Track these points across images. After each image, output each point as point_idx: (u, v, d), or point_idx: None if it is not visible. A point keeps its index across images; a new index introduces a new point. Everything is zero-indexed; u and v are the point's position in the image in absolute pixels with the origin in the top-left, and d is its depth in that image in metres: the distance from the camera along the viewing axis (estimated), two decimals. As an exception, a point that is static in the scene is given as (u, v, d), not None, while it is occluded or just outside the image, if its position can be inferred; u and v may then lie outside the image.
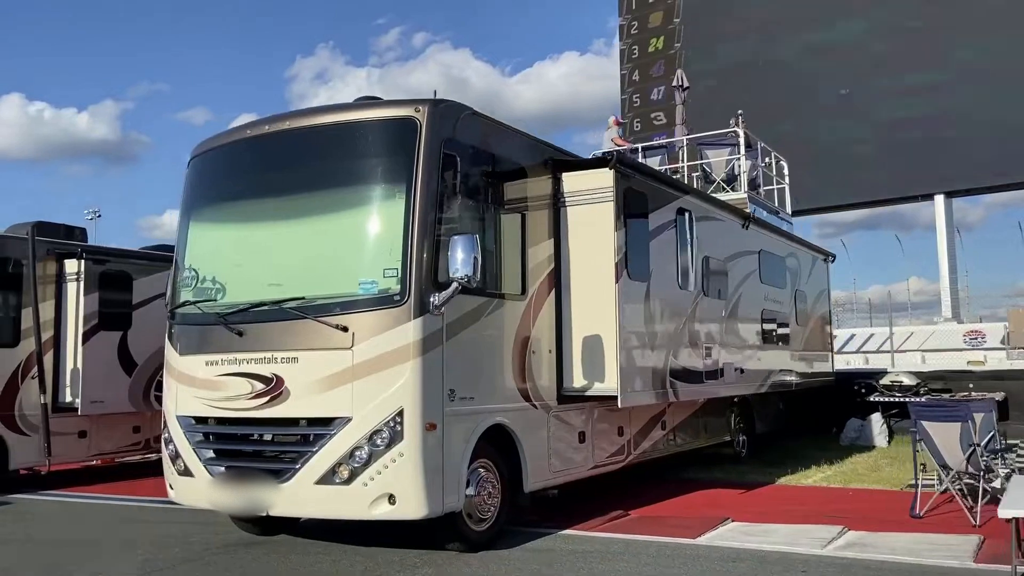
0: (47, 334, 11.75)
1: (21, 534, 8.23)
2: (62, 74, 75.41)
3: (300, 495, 6.01)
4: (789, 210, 14.98)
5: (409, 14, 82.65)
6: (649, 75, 31.74)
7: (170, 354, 7.02)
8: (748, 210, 11.75)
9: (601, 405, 8.13)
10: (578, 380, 7.48)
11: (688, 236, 8.89)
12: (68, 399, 11.92)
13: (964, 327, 23.88)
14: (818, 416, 15.28)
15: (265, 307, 6.29)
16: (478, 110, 6.79)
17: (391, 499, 5.83)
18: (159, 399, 13.50)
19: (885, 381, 14.79)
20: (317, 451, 5.96)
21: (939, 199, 24.85)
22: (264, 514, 6.21)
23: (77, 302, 12.04)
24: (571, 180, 7.65)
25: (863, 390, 15.07)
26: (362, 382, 5.90)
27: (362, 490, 5.84)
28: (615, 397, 7.41)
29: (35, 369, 11.65)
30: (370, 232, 6.23)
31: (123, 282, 12.67)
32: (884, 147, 24.76)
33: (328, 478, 5.90)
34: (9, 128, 66.98)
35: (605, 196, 7.49)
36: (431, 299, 5.98)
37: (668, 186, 8.88)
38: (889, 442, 14.09)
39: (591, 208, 7.53)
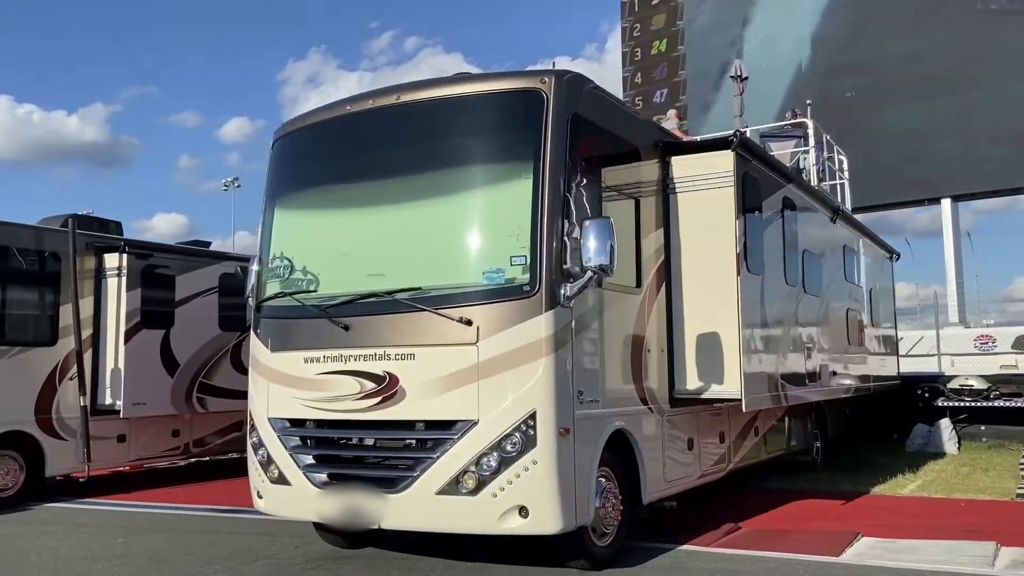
0: (86, 332, 11.13)
1: (83, 550, 7.60)
2: (51, 76, 74.71)
3: (417, 507, 5.40)
4: (849, 207, 14.42)
5: (401, 18, 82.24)
6: (652, 78, 31.43)
7: (258, 350, 6.42)
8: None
9: (707, 409, 7.56)
10: (692, 381, 6.89)
11: (794, 228, 8.32)
12: (108, 401, 11.29)
13: (973, 332, 23.56)
14: (877, 421, 14.71)
15: (375, 299, 5.68)
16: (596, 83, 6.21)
17: (523, 512, 5.23)
18: (201, 401, 12.98)
19: (953, 385, 14.22)
20: (438, 458, 5.36)
21: (946, 203, 24.54)
22: (374, 527, 5.59)
23: (118, 299, 11.41)
24: (682, 164, 7.07)
25: (927, 394, 14.50)
26: (489, 381, 5.30)
27: (491, 502, 5.24)
28: (737, 400, 6.82)
29: (74, 369, 11.02)
30: (494, 216, 5.62)
31: (165, 278, 12.05)
32: (890, 151, 24.42)
33: (451, 488, 5.30)
34: None
35: (724, 181, 6.91)
36: (561, 290, 5.39)
37: (778, 173, 8.29)
38: (959, 448, 13.52)
39: (707, 195, 6.95)
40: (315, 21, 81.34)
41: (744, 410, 7.02)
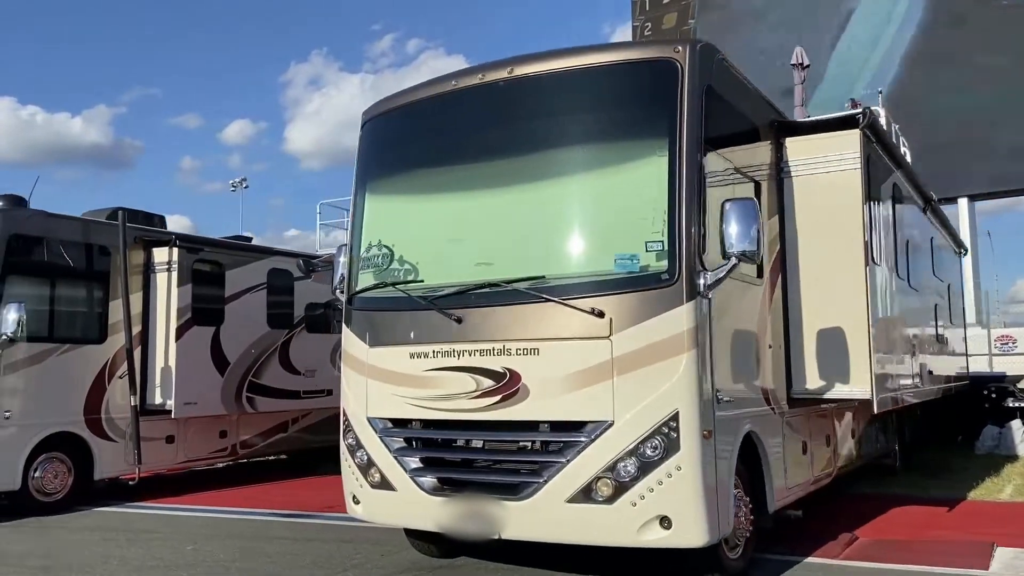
0: (135, 329, 10.68)
1: (152, 558, 7.16)
2: (55, 78, 74.55)
3: (545, 515, 4.92)
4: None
5: (403, 20, 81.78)
6: None
7: (353, 345, 5.95)
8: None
9: (815, 411, 7.07)
10: (813, 380, 6.39)
11: (900, 217, 7.82)
12: (158, 401, 10.86)
13: (994, 332, 23.07)
14: (942, 423, 14.15)
15: (492, 289, 5.21)
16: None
17: (665, 522, 4.75)
18: (251, 401, 12.54)
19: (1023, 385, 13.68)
20: (568, 462, 4.88)
21: (963, 202, 24.02)
22: (494, 537, 5.12)
23: (168, 294, 10.98)
24: (799, 146, 6.57)
25: (994, 395, 13.95)
26: (625, 379, 4.82)
27: (629, 511, 4.76)
28: (867, 400, 6.32)
29: (123, 368, 10.60)
30: (626, 197, 5.12)
31: (216, 273, 11.62)
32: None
33: (584, 496, 4.82)
34: (1, 132, 66.18)
35: (849, 163, 6.41)
36: (700, 279, 4.91)
37: (891, 157, 7.78)
38: (1032, 451, 12.96)
39: (828, 179, 6.45)
40: (317, 23, 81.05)
41: (876, 411, 6.52)
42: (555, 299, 4.96)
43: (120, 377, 10.60)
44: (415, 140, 6.00)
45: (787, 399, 6.39)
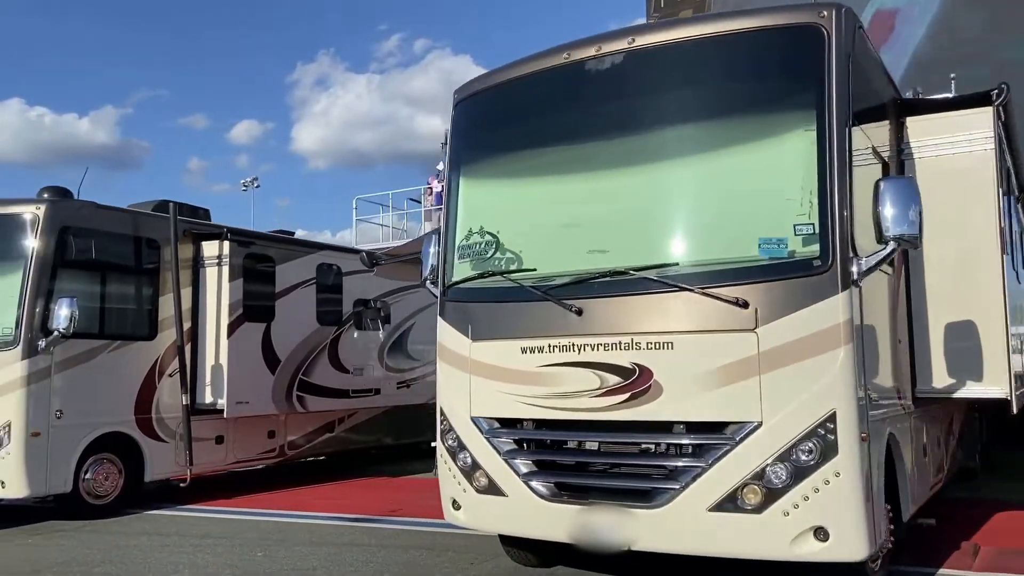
0: (186, 326, 10.29)
1: (225, 566, 6.77)
2: (63, 79, 74.53)
3: (684, 525, 4.48)
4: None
5: (409, 20, 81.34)
6: None
7: (451, 339, 5.51)
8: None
9: (933, 411, 6.60)
10: (940, 378, 5.92)
11: (1014, 205, 7.34)
12: (209, 400, 10.48)
13: None
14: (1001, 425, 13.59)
15: (617, 277, 4.77)
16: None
17: (821, 534, 4.29)
18: (301, 400, 12.15)
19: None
20: (710, 467, 4.44)
21: None
22: (624, 548, 4.68)
23: (219, 290, 10.60)
24: (922, 125, 6.10)
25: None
26: (774, 375, 4.37)
27: (781, 521, 4.31)
28: (1004, 400, 5.84)
29: (173, 366, 10.23)
30: (770, 176, 4.65)
31: (266, 268, 11.24)
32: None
33: (729, 504, 4.38)
34: (8, 132, 66.16)
35: (980, 144, 5.93)
36: (854, 266, 4.45)
37: (1008, 138, 7.28)
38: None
39: (956, 160, 5.97)
40: (324, 23, 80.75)
41: (1014, 411, 6.04)
42: (694, 288, 4.51)
43: (170, 375, 10.22)
44: (520, 119, 5.56)
45: (912, 398, 5.93)
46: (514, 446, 5.13)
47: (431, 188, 20.17)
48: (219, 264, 10.62)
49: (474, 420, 5.29)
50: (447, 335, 5.60)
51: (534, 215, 5.40)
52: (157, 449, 10.03)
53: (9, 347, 8.74)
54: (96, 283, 9.67)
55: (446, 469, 5.51)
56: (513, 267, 5.29)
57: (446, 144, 21.24)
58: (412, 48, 78.74)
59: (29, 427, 8.70)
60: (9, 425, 8.62)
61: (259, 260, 11.10)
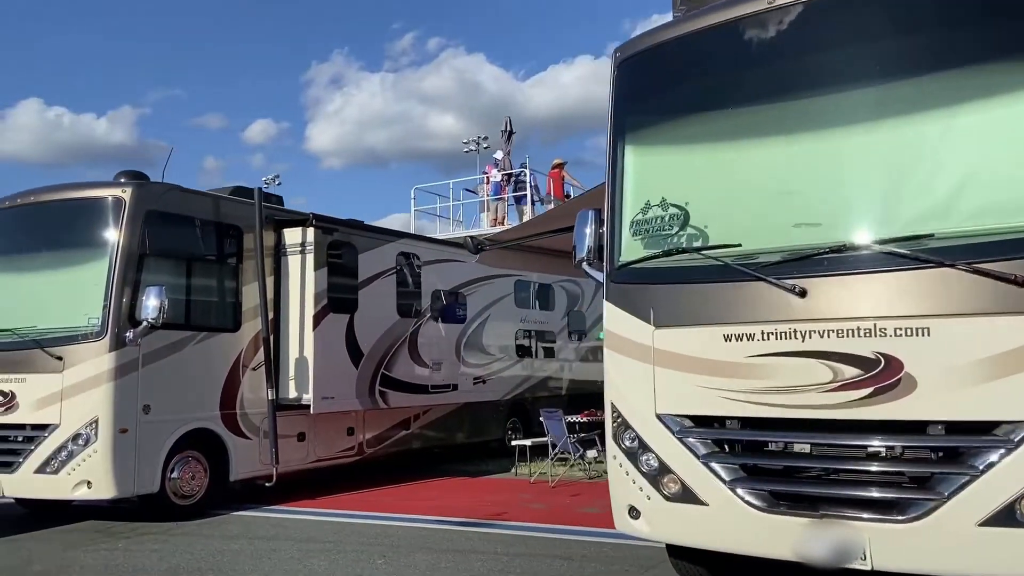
0: (269, 317, 9.77)
1: (348, 575, 6.20)
2: (81, 79, 74.66)
3: (945, 542, 3.81)
4: None
5: (423, 19, 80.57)
6: None
7: (625, 325, 4.87)
8: None
9: None
10: None
11: None
12: (292, 395, 9.95)
13: None
14: None
15: (847, 252, 4.11)
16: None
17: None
18: (383, 395, 11.60)
19: None
20: (981, 474, 3.77)
21: None
22: (865, 568, 4.03)
23: (302, 279, 10.06)
24: None
25: None
26: (1060, 365, 3.70)
27: (1072, 539, 3.64)
28: None
29: (256, 359, 9.71)
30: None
31: (350, 257, 10.69)
32: None
33: (1006, 518, 3.70)
34: (27, 133, 66.30)
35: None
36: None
37: None
38: None
39: None
40: (338, 23, 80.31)
41: None
42: (957, 263, 3.84)
43: (254, 369, 9.70)
44: (708, 75, 4.90)
45: None
46: (713, 447, 4.49)
47: (488, 177, 19.53)
48: (302, 252, 10.09)
49: (660, 418, 4.65)
50: (619, 321, 4.96)
51: (728, 184, 4.74)
52: (242, 447, 9.52)
53: (96, 338, 8.23)
54: (181, 271, 9.16)
55: (622, 473, 4.87)
56: (706, 243, 4.65)
57: (506, 133, 20.66)
58: (426, 47, 78.24)
59: (117, 423, 8.19)
60: (96, 421, 8.11)
61: (342, 248, 10.56)
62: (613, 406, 4.97)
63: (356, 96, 75.08)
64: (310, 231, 10.02)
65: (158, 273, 8.75)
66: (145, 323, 8.28)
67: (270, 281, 9.97)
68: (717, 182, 4.80)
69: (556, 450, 10.90)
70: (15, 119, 66.77)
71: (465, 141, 24.66)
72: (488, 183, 19.40)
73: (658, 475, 4.64)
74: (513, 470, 12.06)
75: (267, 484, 9.69)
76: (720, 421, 4.49)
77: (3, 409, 8.41)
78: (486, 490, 10.63)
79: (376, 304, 11.00)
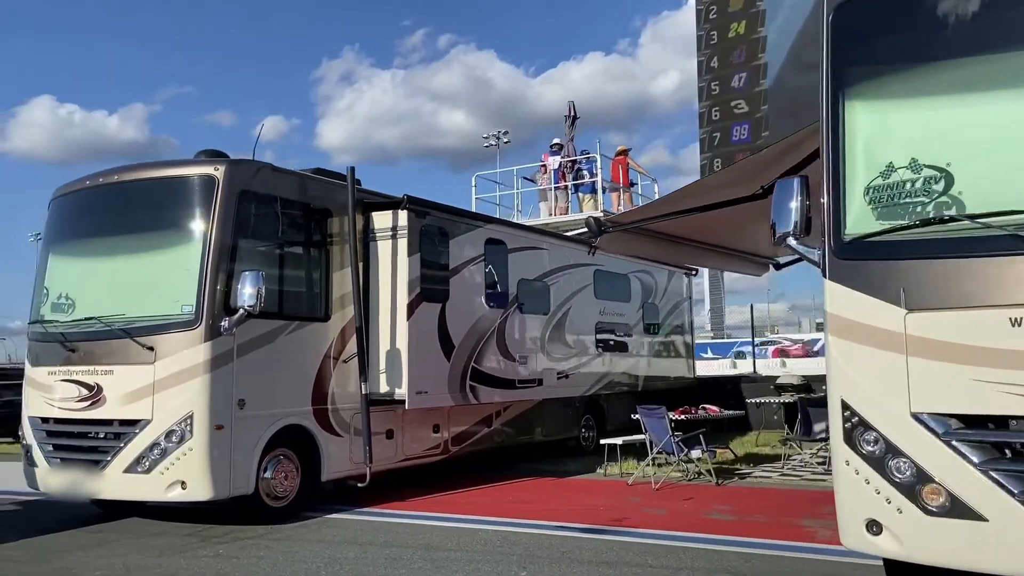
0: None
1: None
2: (93, 76, 74.60)
3: None
4: None
5: (433, 16, 79.98)
6: (730, 62, 28.97)
7: (862, 308, 4.17)
8: None
9: None
10: None
11: None
12: (383, 389, 9.30)
13: None
14: None
15: None
16: None
17: None
18: (474, 390, 10.96)
19: None
20: None
21: None
22: None
23: (394, 266, 9.41)
24: None
25: None
26: None
27: None
28: None
29: (346, 351, 9.08)
30: None
31: (442, 242, 10.04)
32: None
33: None
34: (39, 130, 66.37)
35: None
36: None
37: None
38: None
39: None
40: (349, 20, 79.87)
41: None
42: None
43: (344, 361, 9.07)
44: (958, 11, 4.19)
45: None
46: (995, 453, 3.79)
47: (545, 166, 18.81)
48: (393, 237, 9.43)
49: (918, 417, 3.95)
50: (851, 303, 4.26)
51: (995, 140, 4.03)
52: (333, 444, 8.89)
53: (190, 327, 7.62)
54: (273, 256, 8.54)
55: (859, 482, 4.17)
56: (964, 210, 3.94)
57: (569, 118, 19.97)
58: (436, 43, 77.68)
59: (213, 419, 7.57)
60: (191, 417, 7.50)
61: (434, 233, 9.90)
62: (844, 403, 4.27)
63: (367, 93, 74.64)
64: (403, 214, 9.36)
65: (251, 258, 8.13)
66: (241, 311, 7.66)
67: (360, 268, 9.33)
68: (978, 138, 4.09)
69: (656, 450, 10.21)
70: (28, 116, 67.01)
71: (485, 136, 23.99)
72: (546, 172, 18.69)
73: (915, 485, 3.95)
74: (601, 470, 11.39)
75: (359, 485, 9.04)
76: (1002, 421, 3.79)
77: (88, 404, 7.83)
78: (585, 492, 9.95)
79: (466, 293, 10.35)
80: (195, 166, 8.15)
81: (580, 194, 18.34)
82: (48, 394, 8.19)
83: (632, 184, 18.38)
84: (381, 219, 9.49)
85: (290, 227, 8.69)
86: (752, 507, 8.46)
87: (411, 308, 9.30)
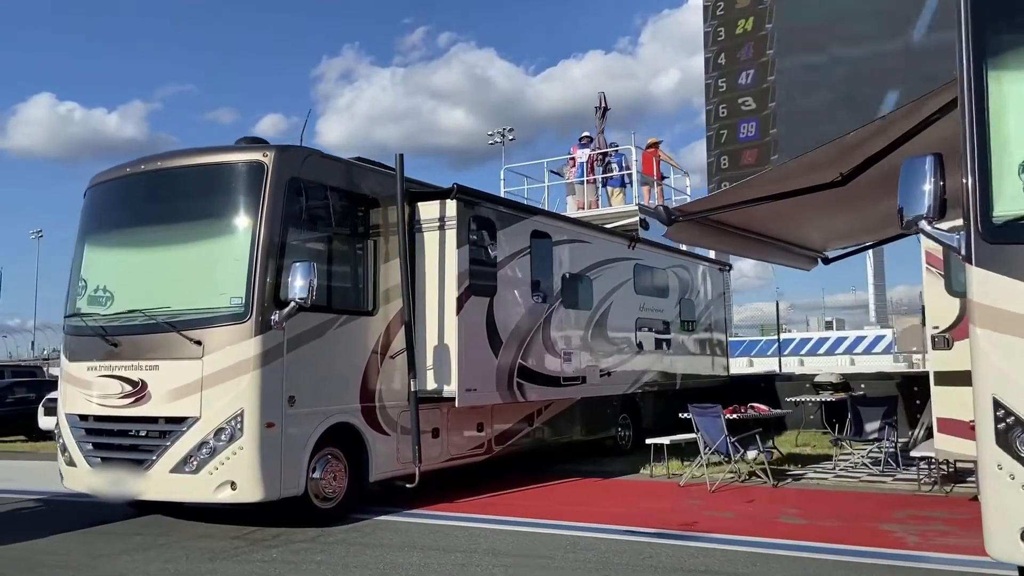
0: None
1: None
2: (92, 74, 74.45)
3: None
4: None
5: (434, 14, 79.73)
6: (737, 58, 28.61)
7: (1012, 296, 3.81)
8: None
9: None
10: None
11: None
12: (431, 386, 8.94)
13: None
14: None
15: None
16: None
17: None
18: (521, 388, 10.59)
19: None
20: None
21: None
22: None
23: (442, 257, 9.05)
24: None
25: None
26: None
27: None
28: None
29: (394, 346, 8.72)
30: None
31: (490, 234, 9.67)
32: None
33: None
34: (38, 127, 66.08)
35: None
36: None
37: None
38: None
39: None
40: (349, 17, 79.69)
41: None
42: None
43: (392, 357, 8.71)
44: None
45: None
46: None
47: (574, 159, 18.42)
48: (441, 227, 9.07)
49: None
50: (1006, 292, 3.87)
51: None
52: (381, 443, 8.53)
53: (239, 320, 7.25)
54: (322, 246, 8.19)
55: (1016, 487, 3.80)
56: None
57: (600, 109, 19.58)
58: (436, 41, 77.42)
59: (264, 416, 7.22)
60: (241, 414, 7.14)
61: (482, 224, 9.53)
62: (997, 401, 3.88)
63: (366, 91, 74.42)
64: (452, 204, 8.99)
65: (299, 248, 7.78)
66: (293, 304, 7.30)
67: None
68: None
69: (711, 450, 9.84)
70: (27, 113, 66.88)
71: (490, 133, 23.62)
72: (574, 165, 18.30)
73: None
74: (645, 470, 11.03)
75: (408, 486, 8.68)
76: None
77: (132, 400, 7.48)
78: (638, 494, 9.58)
79: (513, 287, 9.99)
80: (243, 152, 7.79)
81: (609, 188, 17.96)
82: (87, 390, 7.84)
83: (664, 177, 18.00)
84: (428, 209, 9.13)
85: (338, 216, 8.33)
86: (821, 510, 8.09)
87: (460, 302, 8.93)
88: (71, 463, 7.95)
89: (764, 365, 26.62)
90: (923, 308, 8.83)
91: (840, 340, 35.30)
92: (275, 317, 7.30)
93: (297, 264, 7.33)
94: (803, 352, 33.35)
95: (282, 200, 7.53)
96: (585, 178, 17.64)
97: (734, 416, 10.62)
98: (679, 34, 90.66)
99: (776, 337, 27.26)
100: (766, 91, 27.52)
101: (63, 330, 8.56)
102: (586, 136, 18.25)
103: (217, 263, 7.58)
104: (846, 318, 57.26)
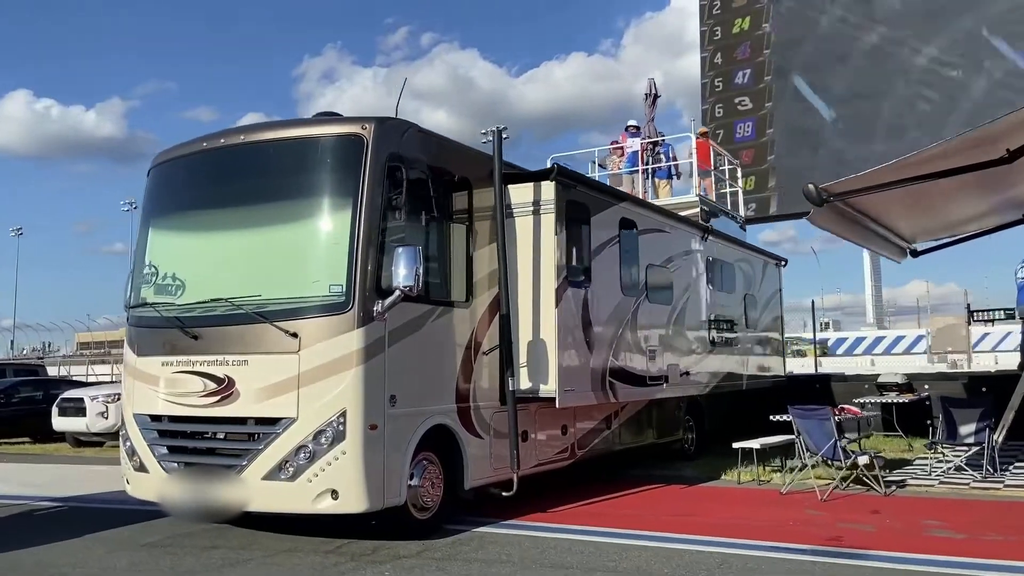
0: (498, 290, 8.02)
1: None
2: (70, 71, 73.43)
3: None
4: None
5: (416, 14, 79.04)
6: (733, 58, 28.39)
7: None
8: None
9: None
10: None
11: None
12: (526, 384, 8.20)
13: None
14: None
15: None
16: None
17: None
18: (612, 387, 9.85)
19: None
20: None
21: None
22: None
23: (537, 245, 8.31)
24: None
25: None
26: None
27: None
28: None
29: (487, 340, 7.98)
30: None
31: (584, 220, 8.95)
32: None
33: None
34: (15, 125, 65.04)
35: None
36: None
37: None
38: None
39: None
40: (331, 17, 78.90)
41: None
42: None
43: (485, 353, 7.97)
44: None
45: None
46: None
47: (622, 148, 17.69)
48: (535, 212, 8.33)
49: None
50: None
51: None
52: (474, 447, 7.78)
53: (340, 311, 6.50)
54: (420, 230, 7.40)
55: None
56: None
57: (650, 97, 18.89)
58: (419, 42, 76.70)
59: (368, 417, 6.47)
60: (344, 414, 6.38)
61: (577, 210, 8.79)
62: None
63: (348, 90, 73.62)
64: (549, 187, 8.24)
65: (400, 232, 7.01)
66: (397, 292, 6.56)
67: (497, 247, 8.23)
68: None
69: (818, 456, 9.13)
70: (4, 110, 65.88)
71: (483, 132, 22.95)
72: (622, 155, 17.56)
73: None
74: (730, 476, 10.32)
75: (504, 494, 7.94)
76: None
77: (217, 399, 6.70)
78: (742, 503, 8.85)
79: (605, 278, 9.26)
80: (340, 124, 7.03)
81: (656, 180, 17.24)
82: (160, 388, 7.07)
83: (715, 167, 17.31)
84: (520, 193, 8.38)
85: (436, 198, 7.56)
86: (965, 522, 7.40)
87: (559, 294, 8.20)
88: (141, 468, 7.18)
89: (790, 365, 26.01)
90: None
91: (877, 339, 34.69)
92: (378, 307, 6.55)
93: (401, 249, 6.59)
94: (838, 352, 32.74)
95: (383, 178, 6.78)
96: (639, 168, 16.88)
97: (838, 419, 9.92)
98: (661, 36, 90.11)
99: (812, 336, 26.63)
100: (763, 91, 27.05)
101: (127, 322, 7.80)
102: (633, 125, 17.52)
103: (312, 247, 6.83)
104: (841, 320, 56.96)
